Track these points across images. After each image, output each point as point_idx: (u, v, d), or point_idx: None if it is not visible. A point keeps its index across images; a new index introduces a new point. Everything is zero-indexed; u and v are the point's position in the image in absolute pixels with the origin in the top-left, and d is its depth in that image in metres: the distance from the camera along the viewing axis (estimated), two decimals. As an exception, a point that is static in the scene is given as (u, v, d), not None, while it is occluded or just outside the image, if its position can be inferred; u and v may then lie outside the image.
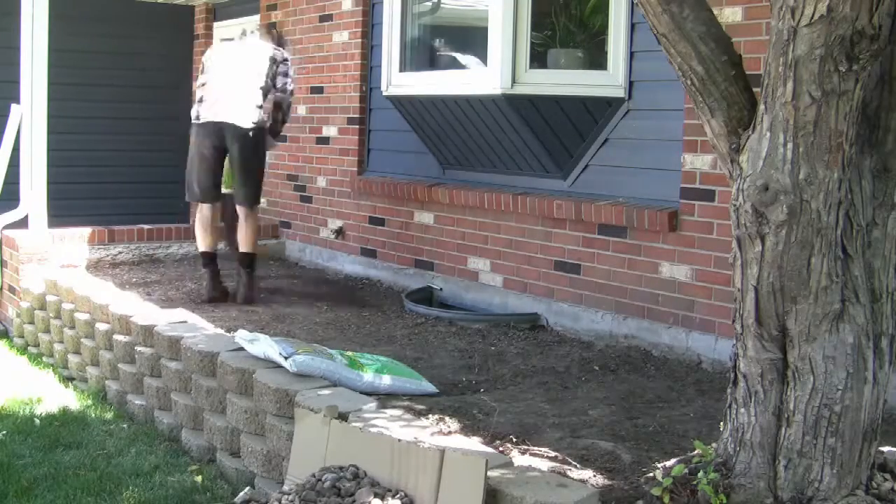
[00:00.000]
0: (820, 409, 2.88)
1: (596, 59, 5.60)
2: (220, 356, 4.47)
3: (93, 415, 5.19)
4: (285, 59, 6.24)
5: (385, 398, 4.00)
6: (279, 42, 6.45)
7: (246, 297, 6.07)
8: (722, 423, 3.14)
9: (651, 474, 3.21)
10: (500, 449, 3.49)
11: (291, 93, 6.37)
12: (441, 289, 6.35)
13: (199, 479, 4.19)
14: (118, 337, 5.44)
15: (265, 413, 4.03)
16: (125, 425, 4.99)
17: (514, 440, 3.60)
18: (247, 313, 5.82)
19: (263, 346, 4.31)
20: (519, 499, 2.91)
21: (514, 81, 5.43)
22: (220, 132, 6.03)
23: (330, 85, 7.63)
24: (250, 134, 6.02)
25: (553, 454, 3.49)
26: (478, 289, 6.09)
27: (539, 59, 5.69)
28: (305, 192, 7.95)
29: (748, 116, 2.92)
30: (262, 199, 8.56)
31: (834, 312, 2.86)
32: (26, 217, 7.42)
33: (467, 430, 3.69)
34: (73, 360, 6.06)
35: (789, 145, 2.77)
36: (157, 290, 6.43)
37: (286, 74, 6.22)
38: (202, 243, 6.21)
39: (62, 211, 7.98)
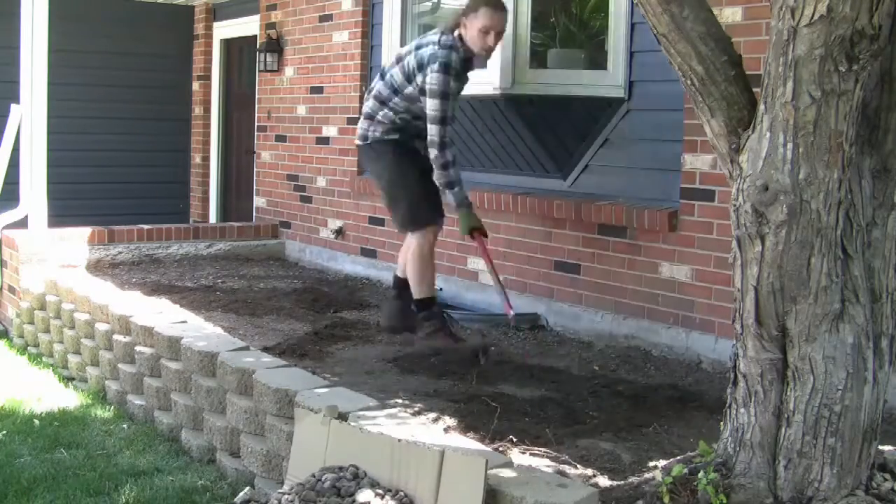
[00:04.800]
0: (820, 409, 2.88)
1: (596, 59, 5.60)
2: (220, 356, 4.47)
3: (93, 415, 5.18)
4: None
5: (384, 398, 4.00)
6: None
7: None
8: (722, 424, 3.14)
9: (651, 474, 3.21)
10: (500, 449, 3.49)
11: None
12: (441, 289, 6.34)
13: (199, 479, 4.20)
14: (118, 337, 5.43)
15: (265, 413, 4.03)
16: (125, 425, 4.99)
17: (514, 440, 3.60)
18: (247, 317, 5.82)
19: None
20: (519, 499, 2.90)
21: (513, 81, 5.42)
22: None
23: (330, 85, 7.63)
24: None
25: (553, 454, 3.49)
26: (478, 289, 6.09)
27: (539, 58, 5.69)
28: (305, 192, 7.95)
29: (748, 116, 2.92)
30: (262, 199, 8.63)
31: (834, 312, 2.86)
32: (26, 217, 7.42)
33: (467, 429, 3.69)
34: (73, 360, 6.06)
35: (789, 145, 2.77)
36: (160, 291, 6.43)
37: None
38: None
39: (62, 211, 7.99)
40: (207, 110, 10.03)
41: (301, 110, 8.03)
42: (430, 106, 4.72)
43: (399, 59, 4.91)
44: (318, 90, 7.80)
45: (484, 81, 5.53)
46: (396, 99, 4.88)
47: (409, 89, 4.83)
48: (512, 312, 5.10)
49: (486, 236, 5.11)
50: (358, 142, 5.15)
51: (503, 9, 4.83)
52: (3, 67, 8.39)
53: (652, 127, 5.13)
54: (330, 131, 7.62)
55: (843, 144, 2.76)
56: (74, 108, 9.25)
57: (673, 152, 4.95)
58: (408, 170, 4.97)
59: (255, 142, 8.88)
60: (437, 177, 4.85)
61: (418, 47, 4.83)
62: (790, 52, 2.71)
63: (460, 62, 4.77)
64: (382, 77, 4.98)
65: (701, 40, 2.91)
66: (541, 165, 5.70)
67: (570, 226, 5.48)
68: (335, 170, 7.54)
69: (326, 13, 7.66)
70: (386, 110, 4.94)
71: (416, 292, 5.07)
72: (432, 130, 4.74)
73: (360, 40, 7.24)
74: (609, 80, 5.32)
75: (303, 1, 7.99)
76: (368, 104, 5.03)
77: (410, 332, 5.14)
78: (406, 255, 5.13)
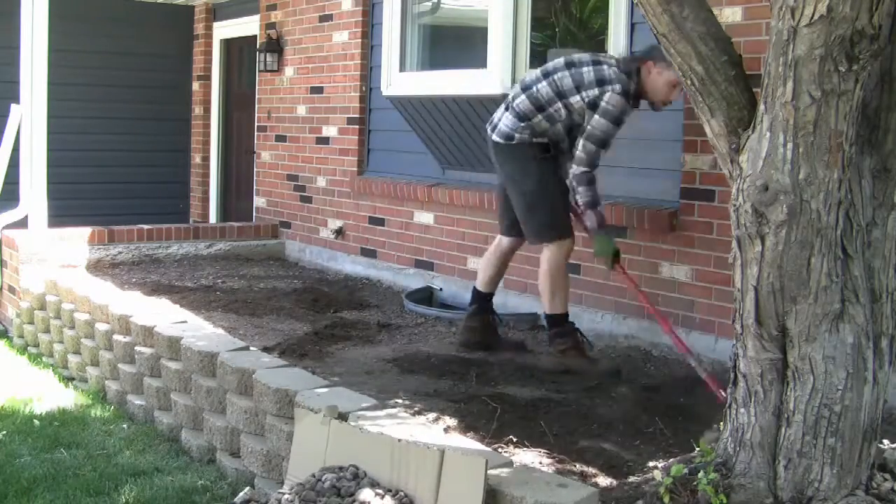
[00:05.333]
0: (820, 409, 2.88)
1: (596, 59, 5.58)
2: (220, 356, 4.47)
3: (93, 415, 5.18)
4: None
5: (384, 397, 4.00)
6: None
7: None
8: (722, 423, 3.14)
9: (651, 474, 3.21)
10: (500, 449, 3.49)
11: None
12: (441, 289, 6.34)
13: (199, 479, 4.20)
14: (118, 337, 5.43)
15: (265, 413, 4.03)
16: (125, 425, 4.99)
17: (515, 440, 3.60)
18: (247, 317, 5.82)
19: None
20: (519, 499, 2.91)
21: (514, 81, 5.42)
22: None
23: (330, 85, 7.63)
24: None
25: (553, 454, 3.49)
26: (478, 289, 6.08)
27: (539, 59, 5.67)
28: (305, 192, 7.95)
29: (748, 116, 2.93)
30: (262, 199, 8.63)
31: (834, 312, 2.86)
32: (26, 217, 7.42)
33: (467, 429, 3.69)
34: (73, 360, 6.06)
35: (789, 145, 2.77)
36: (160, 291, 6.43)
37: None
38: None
39: (62, 211, 7.98)
40: (207, 110, 10.03)
41: (301, 110, 8.02)
42: (597, 124, 4.57)
43: (570, 65, 4.66)
44: (318, 90, 7.80)
45: (484, 81, 5.54)
46: (559, 105, 4.64)
47: (577, 98, 4.61)
48: (691, 359, 4.29)
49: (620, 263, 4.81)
50: (498, 139, 4.76)
51: None
52: (3, 67, 8.39)
53: (652, 127, 5.13)
54: (330, 131, 7.62)
55: (843, 144, 2.76)
56: (74, 108, 9.25)
57: (673, 152, 4.95)
58: (551, 177, 4.74)
59: (255, 142, 8.87)
60: (580, 194, 4.65)
61: (595, 63, 4.64)
62: (790, 52, 2.71)
63: (633, 96, 4.67)
64: (546, 76, 4.68)
65: (701, 40, 2.91)
66: (541, 165, 5.69)
67: (570, 226, 5.47)
68: (335, 170, 7.54)
69: (326, 13, 7.66)
70: (542, 116, 4.67)
71: (549, 307, 4.79)
72: (588, 147, 4.59)
73: (360, 40, 7.24)
74: (609, 80, 5.31)
75: (303, 1, 7.99)
76: (521, 102, 4.70)
77: (487, 349, 4.94)
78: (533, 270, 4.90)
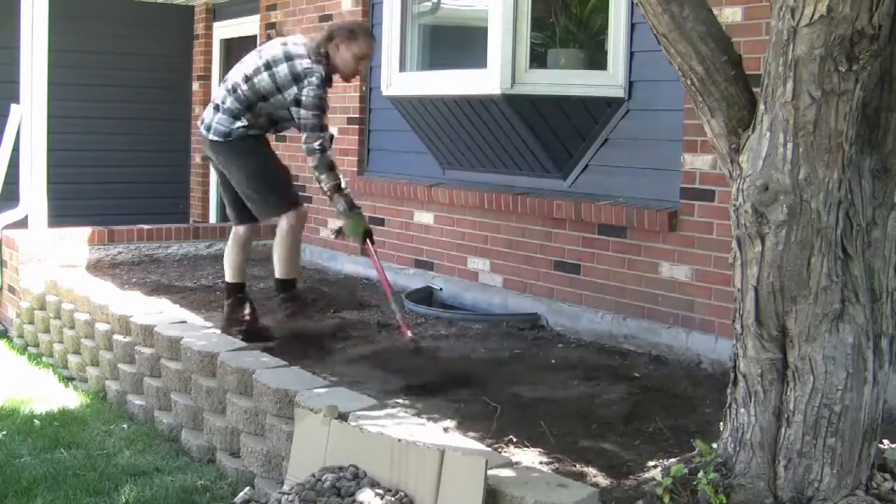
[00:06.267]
0: (820, 409, 2.88)
1: (596, 59, 5.60)
2: (220, 356, 4.47)
3: (93, 415, 5.18)
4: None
5: (384, 398, 4.00)
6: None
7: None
8: (722, 423, 3.14)
9: (651, 474, 3.21)
10: (500, 449, 3.49)
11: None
12: (441, 289, 6.35)
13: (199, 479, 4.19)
14: (118, 337, 5.43)
15: (265, 413, 4.03)
16: (125, 425, 4.99)
17: (514, 440, 3.60)
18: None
19: None
20: (519, 499, 2.91)
21: (513, 81, 5.42)
22: None
23: (330, 85, 7.62)
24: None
25: (553, 454, 3.49)
26: (478, 289, 6.09)
27: (539, 59, 5.69)
28: (305, 191, 7.93)
29: (748, 116, 2.93)
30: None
31: (834, 312, 2.86)
32: (26, 217, 7.42)
33: (467, 429, 3.69)
34: (73, 360, 6.06)
35: (789, 145, 2.77)
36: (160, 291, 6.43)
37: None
38: None
39: (62, 211, 7.98)
40: (207, 110, 10.02)
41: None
42: (307, 116, 4.95)
43: (268, 66, 5.01)
44: (318, 90, 7.78)
45: (484, 81, 5.54)
46: (263, 104, 5.04)
47: (279, 97, 5.00)
48: (409, 334, 5.00)
49: (373, 243, 5.33)
50: (215, 137, 5.14)
51: (375, 39, 5.26)
52: (3, 67, 8.39)
53: (652, 127, 5.13)
54: (330, 131, 7.59)
55: (843, 144, 2.76)
56: (74, 108, 9.26)
57: (673, 152, 4.95)
58: (272, 157, 5.22)
59: (255, 142, 8.86)
60: (324, 181, 5.06)
61: (288, 57, 4.99)
62: (790, 52, 2.71)
63: (326, 78, 5.07)
64: (247, 81, 5.04)
65: (701, 40, 2.91)
66: (541, 165, 5.70)
67: (570, 226, 5.48)
68: (335, 170, 7.52)
69: (326, 13, 7.65)
70: (250, 114, 5.06)
71: (285, 272, 5.17)
72: (312, 138, 4.96)
73: (360, 40, 7.22)
74: (609, 80, 5.32)
75: (303, 1, 7.98)
76: (231, 104, 5.08)
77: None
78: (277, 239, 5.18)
